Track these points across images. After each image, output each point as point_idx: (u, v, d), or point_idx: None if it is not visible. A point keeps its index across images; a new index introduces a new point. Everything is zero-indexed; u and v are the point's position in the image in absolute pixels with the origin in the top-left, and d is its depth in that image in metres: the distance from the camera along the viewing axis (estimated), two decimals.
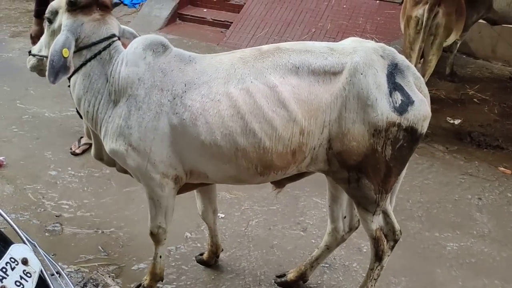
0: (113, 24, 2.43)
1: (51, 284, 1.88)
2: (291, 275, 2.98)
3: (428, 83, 5.16)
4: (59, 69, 2.24)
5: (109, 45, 2.36)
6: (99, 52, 2.33)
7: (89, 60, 2.34)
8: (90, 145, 3.91)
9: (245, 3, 7.63)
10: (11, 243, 1.89)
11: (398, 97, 2.21)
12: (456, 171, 4.32)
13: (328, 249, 2.85)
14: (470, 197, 3.98)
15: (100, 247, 3.21)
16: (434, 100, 5.51)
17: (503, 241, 3.51)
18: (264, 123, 2.20)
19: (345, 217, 2.77)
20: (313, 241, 3.37)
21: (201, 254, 3.14)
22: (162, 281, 2.85)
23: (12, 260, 1.76)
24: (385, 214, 2.57)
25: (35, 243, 2.01)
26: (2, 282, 1.70)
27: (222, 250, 3.14)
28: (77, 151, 4.29)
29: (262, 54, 2.29)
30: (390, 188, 2.42)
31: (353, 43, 2.34)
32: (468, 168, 4.37)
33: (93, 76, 2.35)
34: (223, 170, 2.34)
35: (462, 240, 3.49)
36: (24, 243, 1.94)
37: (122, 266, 3.08)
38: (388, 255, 2.62)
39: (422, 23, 4.49)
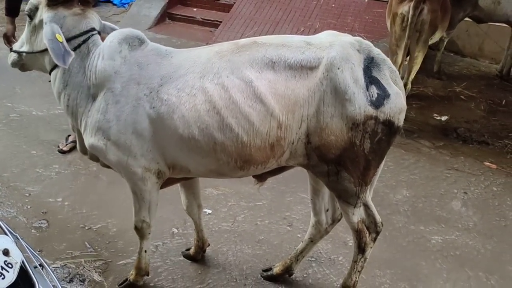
0: (94, 19, 2.44)
1: (33, 276, 1.88)
2: (277, 269, 3.00)
3: (415, 81, 5.30)
4: (63, 53, 2.24)
5: (88, 38, 2.37)
6: (79, 46, 2.34)
7: None
8: None
9: (234, 3, 7.65)
10: None
11: (374, 90, 2.23)
12: (442, 166, 4.36)
13: (312, 241, 2.87)
14: (456, 191, 4.02)
15: (86, 243, 3.21)
16: (421, 97, 5.63)
17: (488, 234, 3.55)
18: (241, 118, 2.21)
19: (327, 210, 2.79)
20: (299, 235, 3.39)
21: (188, 249, 3.16)
22: (147, 275, 2.85)
23: None
24: (366, 207, 2.59)
25: (17, 235, 2.02)
26: None
27: (209, 245, 3.15)
28: (65, 148, 4.28)
29: (239, 48, 2.30)
30: (370, 180, 2.44)
31: (330, 37, 2.36)
32: (454, 163, 4.41)
33: (72, 70, 2.36)
34: (203, 164, 2.35)
35: (447, 233, 3.53)
36: (6, 234, 1.95)
37: (109, 262, 3.09)
38: (371, 247, 2.65)
39: (408, 20, 4.53)
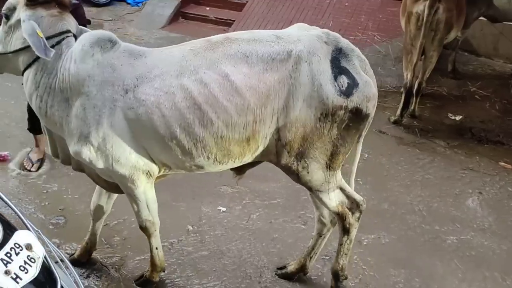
0: (70, 22, 2.45)
1: (54, 271, 1.91)
2: (291, 267, 3.01)
3: (430, 80, 5.27)
4: (44, 46, 2.24)
5: (62, 40, 2.38)
6: (52, 46, 2.32)
7: None
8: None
9: (247, 2, 7.67)
10: (16, 229, 1.93)
11: (344, 80, 2.29)
12: (457, 166, 4.34)
13: (321, 236, 2.88)
14: (471, 191, 4.00)
15: (103, 239, 3.24)
16: (435, 97, 5.60)
17: (503, 234, 3.53)
18: (220, 112, 2.25)
19: None
20: (314, 233, 3.38)
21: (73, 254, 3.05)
22: (164, 272, 2.88)
23: (17, 245, 1.80)
24: (342, 189, 2.63)
25: (39, 230, 2.05)
26: (6, 267, 1.73)
27: (96, 249, 3.04)
28: (32, 169, 3.98)
29: (212, 45, 2.34)
30: (338, 165, 2.50)
31: (299, 31, 2.43)
32: (469, 163, 4.39)
33: (45, 71, 2.36)
34: (184, 161, 2.39)
35: (462, 233, 3.51)
36: (29, 230, 1.98)
37: (125, 258, 3.12)
38: (355, 228, 2.67)
39: (423, 19, 4.51)
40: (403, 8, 4.96)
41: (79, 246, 3.06)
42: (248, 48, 2.30)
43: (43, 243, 1.99)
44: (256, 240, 3.33)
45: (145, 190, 2.49)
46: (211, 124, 2.26)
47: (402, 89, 5.00)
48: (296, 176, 2.48)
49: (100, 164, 2.38)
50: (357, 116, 2.35)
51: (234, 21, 7.43)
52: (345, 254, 2.72)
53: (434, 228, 3.55)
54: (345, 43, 2.39)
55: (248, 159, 2.46)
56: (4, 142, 4.29)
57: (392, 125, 4.94)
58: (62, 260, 2.07)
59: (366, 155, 4.38)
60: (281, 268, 3.07)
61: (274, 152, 2.41)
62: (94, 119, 2.29)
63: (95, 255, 3.08)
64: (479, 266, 3.21)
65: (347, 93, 2.29)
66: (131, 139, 2.32)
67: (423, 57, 4.84)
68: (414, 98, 4.98)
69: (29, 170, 3.96)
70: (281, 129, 2.33)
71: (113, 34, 2.41)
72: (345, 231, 2.65)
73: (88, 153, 2.35)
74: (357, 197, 2.66)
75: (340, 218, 2.62)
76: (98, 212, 2.90)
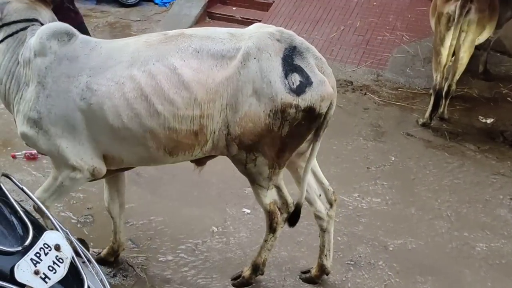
0: (42, 12, 2.49)
1: (82, 271, 1.95)
2: (314, 271, 3.00)
3: (460, 81, 5.14)
4: None
5: (27, 27, 2.42)
6: (16, 32, 2.40)
7: (6, 38, 2.41)
8: None
9: (274, 1, 7.64)
10: (45, 229, 1.97)
11: (296, 78, 2.29)
12: (488, 171, 4.22)
13: (324, 231, 2.87)
14: (502, 197, 3.88)
15: (129, 239, 3.29)
16: (466, 99, 5.47)
17: None
18: (167, 104, 2.28)
19: (320, 195, 2.81)
20: (339, 238, 3.36)
21: (99, 253, 3.09)
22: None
23: (46, 245, 1.84)
24: (278, 189, 2.66)
25: (67, 231, 2.09)
26: (36, 267, 1.77)
27: (123, 249, 3.08)
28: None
29: (167, 39, 2.38)
30: (284, 163, 2.51)
31: (254, 29, 2.44)
32: (500, 168, 4.26)
33: (6, 54, 2.42)
34: (135, 153, 2.43)
35: (493, 240, 3.42)
36: (57, 230, 2.02)
37: (150, 258, 3.15)
38: (282, 227, 2.73)
39: (454, 19, 4.40)
40: (433, 8, 4.85)
41: (107, 245, 3.11)
42: (200, 44, 2.34)
43: (71, 243, 2.03)
44: (281, 243, 3.31)
45: (76, 184, 2.52)
46: (158, 115, 2.30)
47: (431, 91, 4.90)
48: (243, 167, 2.52)
49: (45, 147, 2.42)
50: (310, 114, 2.35)
51: (260, 20, 7.40)
52: (268, 249, 2.82)
53: (463, 234, 3.47)
54: (299, 41, 2.39)
55: (198, 153, 2.48)
56: None
57: (420, 127, 4.84)
58: (89, 260, 2.10)
59: (393, 158, 4.32)
60: (305, 272, 3.05)
61: (225, 145, 2.43)
62: (46, 108, 2.34)
63: (121, 254, 3.12)
64: (509, 275, 3.12)
65: (298, 91, 2.29)
66: (82, 130, 2.36)
67: (453, 58, 4.72)
68: (444, 100, 4.87)
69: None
70: (230, 124, 2.36)
71: (70, 26, 2.43)
72: (272, 229, 2.72)
73: (34, 136, 2.39)
74: (289, 199, 2.72)
75: (269, 216, 2.68)
76: (113, 208, 2.93)
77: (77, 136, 2.38)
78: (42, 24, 2.47)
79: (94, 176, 2.51)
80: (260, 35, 2.36)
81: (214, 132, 2.39)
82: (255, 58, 2.29)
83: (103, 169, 2.49)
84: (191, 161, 2.64)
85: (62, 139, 2.38)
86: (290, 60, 2.31)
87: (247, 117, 2.33)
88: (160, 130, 2.33)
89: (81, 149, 2.40)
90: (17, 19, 2.43)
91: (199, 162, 2.68)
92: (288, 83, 2.29)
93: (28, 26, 2.43)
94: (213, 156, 2.64)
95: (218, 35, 2.38)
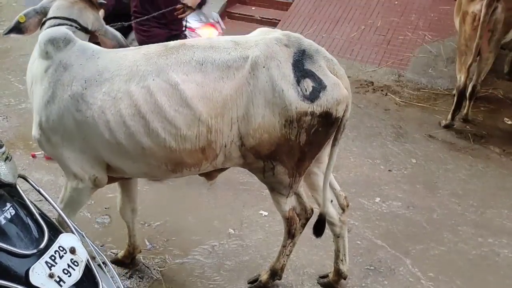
0: (84, 15, 2.45)
1: (97, 274, 1.93)
2: (332, 275, 2.94)
3: (484, 82, 5.01)
4: (13, 29, 2.45)
5: (61, 25, 2.38)
6: (50, 27, 2.38)
7: None
8: None
9: (293, 1, 7.58)
10: (61, 232, 1.96)
11: (308, 84, 2.18)
12: None
13: (338, 237, 2.79)
14: None
15: (146, 240, 3.28)
16: (490, 100, 5.33)
17: None
18: (167, 123, 2.17)
19: (331, 201, 2.71)
20: (359, 242, 3.29)
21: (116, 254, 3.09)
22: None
23: (61, 248, 1.83)
24: (298, 196, 2.62)
25: (83, 233, 2.08)
26: (50, 270, 1.76)
27: (140, 251, 3.06)
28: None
29: (166, 51, 2.26)
30: (304, 171, 2.43)
31: (258, 35, 2.33)
32: None
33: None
34: (135, 168, 2.35)
35: None
36: (73, 233, 2.01)
37: (167, 259, 3.13)
38: (300, 232, 2.71)
39: (480, 19, 4.28)
40: (457, 7, 4.73)
41: (124, 245, 3.10)
42: (203, 56, 2.22)
43: (87, 245, 2.02)
44: (298, 246, 3.24)
45: (82, 193, 2.47)
46: (157, 135, 2.20)
47: (454, 92, 4.79)
48: (261, 175, 2.44)
49: (51, 152, 2.42)
50: (327, 120, 2.26)
51: (279, 20, 7.36)
52: (287, 255, 2.77)
53: (488, 240, 3.36)
54: (308, 43, 2.28)
55: (207, 167, 2.39)
56: None
57: (443, 129, 4.72)
58: (104, 263, 2.08)
59: (415, 161, 4.22)
60: (323, 277, 2.99)
61: (239, 156, 2.34)
62: (46, 114, 2.31)
63: (137, 255, 3.11)
64: None
65: (312, 97, 2.19)
66: (81, 140, 2.31)
67: (478, 58, 4.60)
68: (468, 101, 4.75)
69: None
70: (244, 137, 2.26)
71: (69, 32, 2.37)
72: (290, 235, 2.67)
73: (42, 140, 2.37)
74: (308, 205, 2.67)
75: (288, 223, 2.63)
76: (125, 213, 2.90)
77: (77, 145, 2.32)
78: (80, 26, 2.44)
79: (96, 186, 2.47)
80: (267, 41, 2.24)
81: (225, 146, 2.28)
82: (264, 67, 2.18)
83: (105, 178, 2.44)
84: (200, 175, 2.56)
85: (64, 148, 2.34)
86: (301, 65, 2.20)
87: (261, 128, 2.23)
88: (159, 148, 2.24)
89: (83, 157, 2.35)
90: (56, 15, 2.42)
91: (210, 175, 2.61)
92: (301, 90, 2.18)
93: (62, 25, 2.40)
94: (224, 169, 2.57)
95: (222, 44, 2.27)
